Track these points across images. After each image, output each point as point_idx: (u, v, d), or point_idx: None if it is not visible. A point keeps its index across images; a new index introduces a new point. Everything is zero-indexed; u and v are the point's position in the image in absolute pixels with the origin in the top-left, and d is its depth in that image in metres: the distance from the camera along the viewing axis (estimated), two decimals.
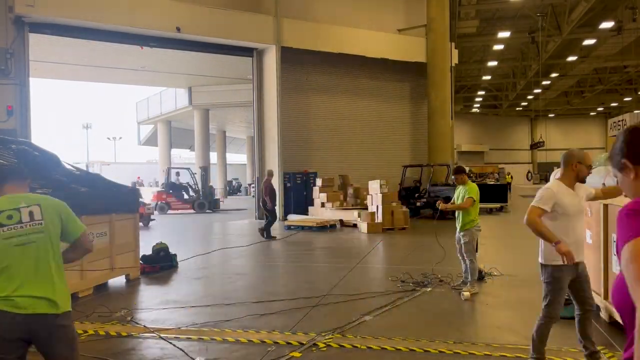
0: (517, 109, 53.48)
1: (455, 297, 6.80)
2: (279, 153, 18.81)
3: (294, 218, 18.31)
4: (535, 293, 7.00)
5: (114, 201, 7.83)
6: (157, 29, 16.58)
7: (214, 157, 42.61)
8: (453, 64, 22.62)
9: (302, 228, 15.77)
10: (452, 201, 7.60)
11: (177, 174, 26.10)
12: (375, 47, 20.74)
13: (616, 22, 24.57)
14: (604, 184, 5.62)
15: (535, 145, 43.39)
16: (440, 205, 7.42)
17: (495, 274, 8.24)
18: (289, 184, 19.23)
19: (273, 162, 19.07)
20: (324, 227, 15.39)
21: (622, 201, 4.98)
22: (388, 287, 7.44)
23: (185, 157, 70.22)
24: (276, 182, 18.91)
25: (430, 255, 10.61)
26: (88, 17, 15.18)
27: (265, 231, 13.58)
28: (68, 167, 7.24)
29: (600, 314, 5.70)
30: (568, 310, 5.79)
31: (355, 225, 15.46)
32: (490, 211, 20.08)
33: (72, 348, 2.98)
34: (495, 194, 21.03)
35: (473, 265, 7.08)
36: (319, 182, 18.21)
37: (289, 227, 16.29)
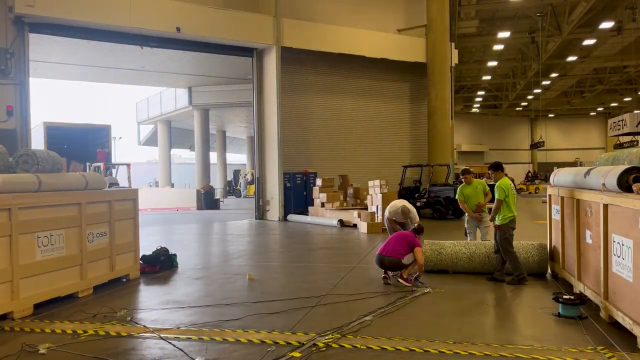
0: (517, 109, 53.45)
1: (455, 297, 6.80)
2: (279, 153, 18.80)
3: (294, 218, 18.33)
4: (535, 293, 7.00)
5: None
6: (157, 29, 16.55)
7: (213, 157, 42.59)
8: (453, 64, 22.61)
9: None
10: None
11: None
12: (375, 47, 20.73)
13: (616, 22, 24.55)
14: (604, 184, 5.61)
15: (535, 145, 43.42)
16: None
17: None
18: (289, 184, 19.23)
19: (273, 162, 19.07)
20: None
21: (625, 201, 4.98)
22: (388, 287, 7.43)
23: (185, 157, 70.25)
24: (276, 182, 18.95)
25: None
26: (88, 17, 15.15)
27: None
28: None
29: (600, 314, 5.71)
30: (569, 310, 5.79)
31: (355, 226, 15.46)
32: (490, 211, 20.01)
33: None
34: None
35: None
36: (319, 182, 18.21)
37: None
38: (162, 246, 9.54)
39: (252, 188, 35.15)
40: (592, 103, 49.90)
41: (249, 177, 38.99)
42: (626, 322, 4.94)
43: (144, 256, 8.99)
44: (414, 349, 4.83)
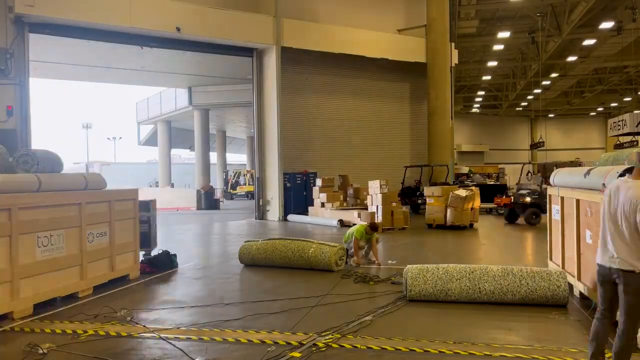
0: (517, 109, 53.42)
1: None
2: (279, 153, 18.80)
3: (294, 218, 18.34)
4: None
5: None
6: (157, 29, 16.55)
7: (213, 157, 42.58)
8: (453, 64, 22.62)
9: None
10: None
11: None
12: (375, 47, 20.74)
13: (616, 22, 24.54)
14: (603, 184, 5.61)
15: (535, 146, 43.32)
16: None
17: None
18: (289, 184, 19.23)
19: (273, 162, 19.08)
20: None
21: None
22: (388, 287, 7.44)
23: (185, 157, 70.27)
24: (276, 182, 18.95)
25: (431, 255, 10.62)
26: (88, 17, 15.16)
27: None
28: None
29: None
30: None
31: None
32: (489, 211, 20.08)
33: None
34: (495, 194, 21.29)
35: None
36: (319, 182, 18.21)
37: None
38: (163, 250, 9.55)
39: (244, 187, 35.84)
40: (592, 103, 49.86)
41: (242, 179, 39.38)
42: None
43: (146, 256, 9.01)
44: (414, 349, 4.83)
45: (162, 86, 34.34)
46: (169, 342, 5.10)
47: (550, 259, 8.07)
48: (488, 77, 39.63)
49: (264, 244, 9.33)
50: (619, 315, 3.90)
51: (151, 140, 46.44)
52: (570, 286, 6.83)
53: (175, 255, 9.49)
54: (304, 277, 8.34)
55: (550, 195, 8.10)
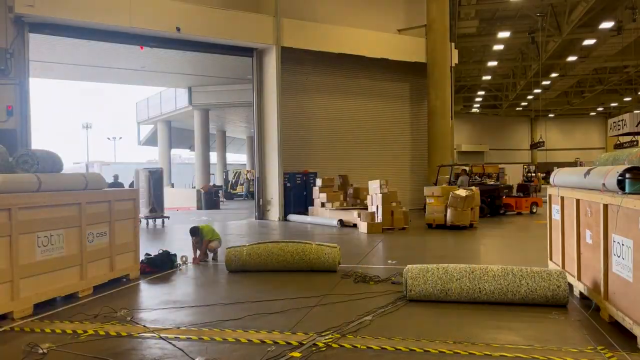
0: (517, 109, 53.45)
1: None
2: (279, 153, 18.80)
3: (294, 218, 18.33)
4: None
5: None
6: (157, 29, 16.54)
7: (213, 157, 42.59)
8: (453, 64, 22.62)
9: None
10: None
11: None
12: (375, 47, 20.73)
13: (616, 22, 24.56)
14: (604, 184, 5.61)
15: (535, 145, 43.37)
16: None
17: None
18: (289, 184, 19.22)
19: (273, 162, 19.07)
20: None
21: (625, 201, 4.98)
22: (388, 287, 7.44)
23: (185, 157, 70.27)
24: (276, 182, 18.95)
25: (431, 255, 10.62)
26: (88, 17, 15.15)
27: None
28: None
29: (600, 314, 5.70)
30: None
31: (355, 225, 15.46)
32: None
33: None
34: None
35: None
36: (319, 182, 18.20)
37: None
38: (163, 249, 9.54)
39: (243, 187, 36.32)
40: (592, 103, 49.88)
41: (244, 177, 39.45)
42: (626, 322, 4.94)
43: (146, 256, 9.01)
44: (414, 349, 4.83)
45: (162, 86, 34.37)
46: (169, 342, 5.10)
47: (550, 259, 8.07)
48: (488, 77, 39.66)
49: (256, 249, 8.90)
50: None
51: (151, 140, 46.47)
52: (570, 286, 6.82)
53: (175, 255, 9.49)
54: (304, 277, 8.34)
55: (550, 195, 8.10)
